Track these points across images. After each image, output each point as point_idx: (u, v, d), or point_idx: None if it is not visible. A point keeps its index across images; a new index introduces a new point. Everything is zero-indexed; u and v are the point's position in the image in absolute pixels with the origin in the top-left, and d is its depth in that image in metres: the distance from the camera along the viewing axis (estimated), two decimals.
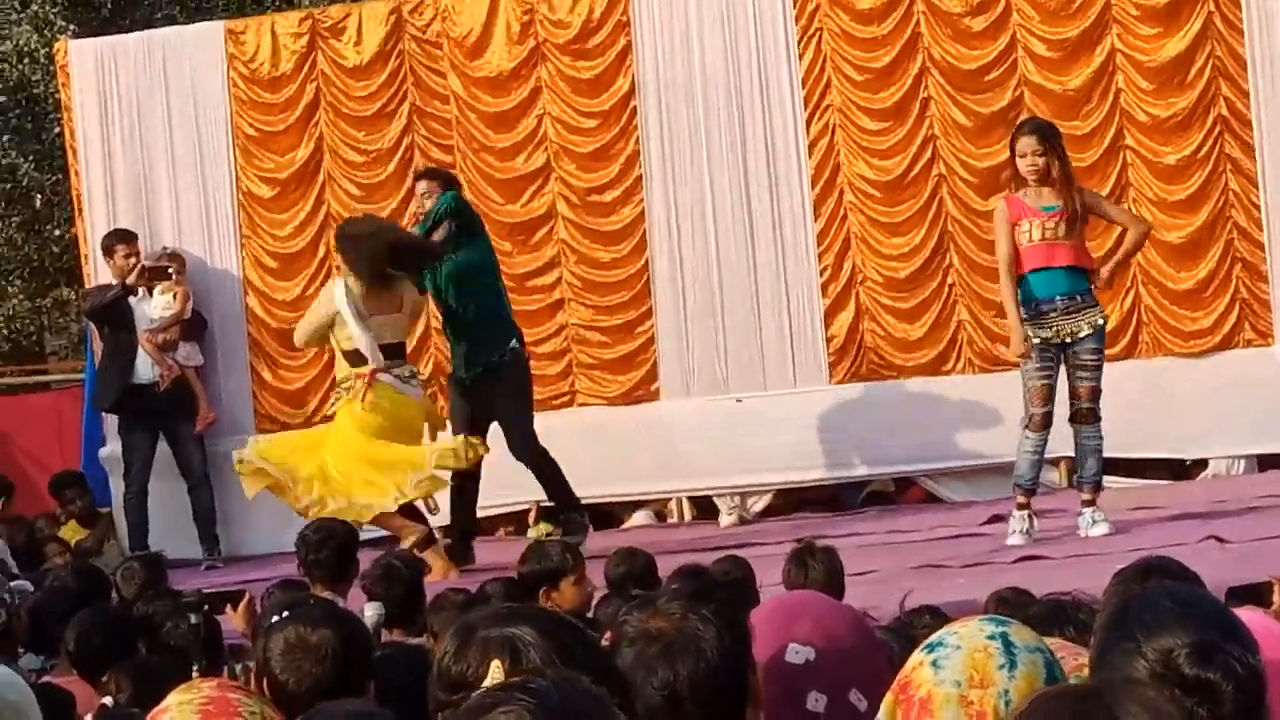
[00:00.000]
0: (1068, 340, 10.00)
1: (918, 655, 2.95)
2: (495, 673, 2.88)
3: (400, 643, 6.24)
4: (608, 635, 3.35)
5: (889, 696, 2.95)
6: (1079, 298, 10.05)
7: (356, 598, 7.48)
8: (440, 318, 12.13)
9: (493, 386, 11.33)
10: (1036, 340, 9.99)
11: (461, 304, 11.52)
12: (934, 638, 2.96)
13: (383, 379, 11.17)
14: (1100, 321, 10.12)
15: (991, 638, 2.91)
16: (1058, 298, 10.01)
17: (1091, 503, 10.18)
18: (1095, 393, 10.04)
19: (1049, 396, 9.99)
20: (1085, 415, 10.06)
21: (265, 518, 12.84)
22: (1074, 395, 10.06)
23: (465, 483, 11.41)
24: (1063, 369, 10.07)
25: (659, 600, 3.30)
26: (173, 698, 3.20)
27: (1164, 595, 3.05)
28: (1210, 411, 12.19)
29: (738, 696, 3.15)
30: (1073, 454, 10.62)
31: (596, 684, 2.46)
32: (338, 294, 11.30)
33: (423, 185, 11.87)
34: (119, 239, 13.39)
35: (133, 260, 13.21)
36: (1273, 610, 5.57)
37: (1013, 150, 10.22)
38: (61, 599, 7.50)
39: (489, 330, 11.48)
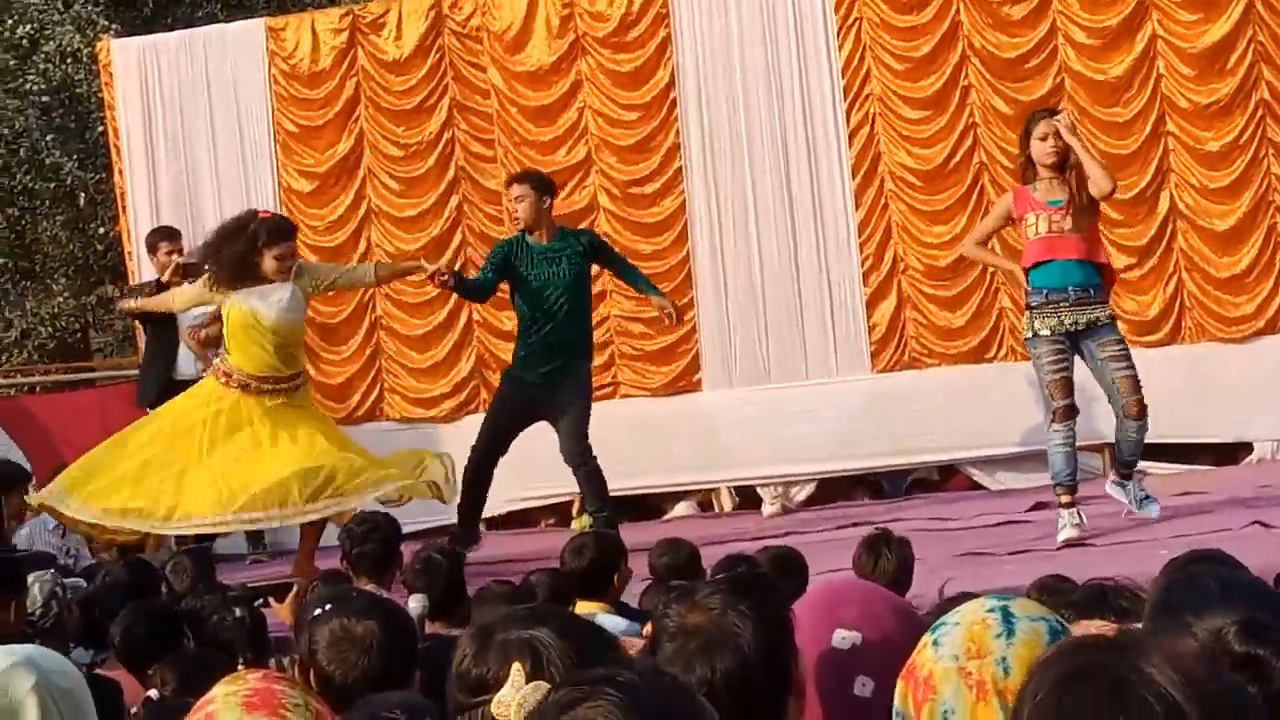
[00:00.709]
0: (1080, 329, 9.72)
1: (924, 638, 2.96)
2: (516, 675, 2.87)
3: (443, 635, 6.25)
4: (648, 628, 3.35)
5: (900, 683, 2.96)
6: (1091, 291, 9.75)
7: (400, 592, 7.50)
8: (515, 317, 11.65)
9: (566, 385, 11.11)
10: (1045, 331, 9.72)
11: (576, 308, 11.30)
12: (940, 619, 2.97)
13: None
14: (1113, 314, 9.88)
15: (991, 610, 2.91)
16: (1070, 288, 9.72)
17: (1129, 477, 9.99)
18: (1135, 382, 9.74)
19: (1068, 388, 9.73)
20: (1136, 409, 9.74)
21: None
22: (1115, 389, 9.78)
23: (485, 472, 11.24)
24: (1080, 365, 9.84)
25: (698, 593, 3.29)
26: (218, 689, 3.22)
27: (1210, 577, 3.07)
28: (1254, 396, 12.15)
29: (777, 690, 3.15)
30: (1112, 441, 10.58)
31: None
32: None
33: (516, 189, 11.23)
34: (162, 236, 13.42)
35: (175, 257, 13.26)
36: None
37: (1026, 137, 9.94)
38: (113, 594, 7.55)
39: (588, 336, 11.43)
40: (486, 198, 13.50)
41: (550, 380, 10.81)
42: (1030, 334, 9.83)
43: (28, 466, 12.52)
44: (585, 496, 11.28)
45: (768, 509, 12.83)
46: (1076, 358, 9.82)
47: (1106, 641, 2.17)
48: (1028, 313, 9.86)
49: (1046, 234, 9.77)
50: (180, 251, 13.27)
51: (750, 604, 3.19)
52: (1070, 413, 9.78)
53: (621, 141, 13.30)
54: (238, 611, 6.64)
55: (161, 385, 13.20)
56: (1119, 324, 9.97)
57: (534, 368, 10.96)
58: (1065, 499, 9.87)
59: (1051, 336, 9.74)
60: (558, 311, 10.97)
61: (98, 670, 6.54)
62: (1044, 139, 9.84)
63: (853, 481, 13.17)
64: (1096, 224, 10.00)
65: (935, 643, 2.91)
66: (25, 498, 11.12)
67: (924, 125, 12.79)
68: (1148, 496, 10.01)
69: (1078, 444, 9.96)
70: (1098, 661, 2.11)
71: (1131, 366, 9.81)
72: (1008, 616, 2.89)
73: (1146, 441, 10.03)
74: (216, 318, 13.17)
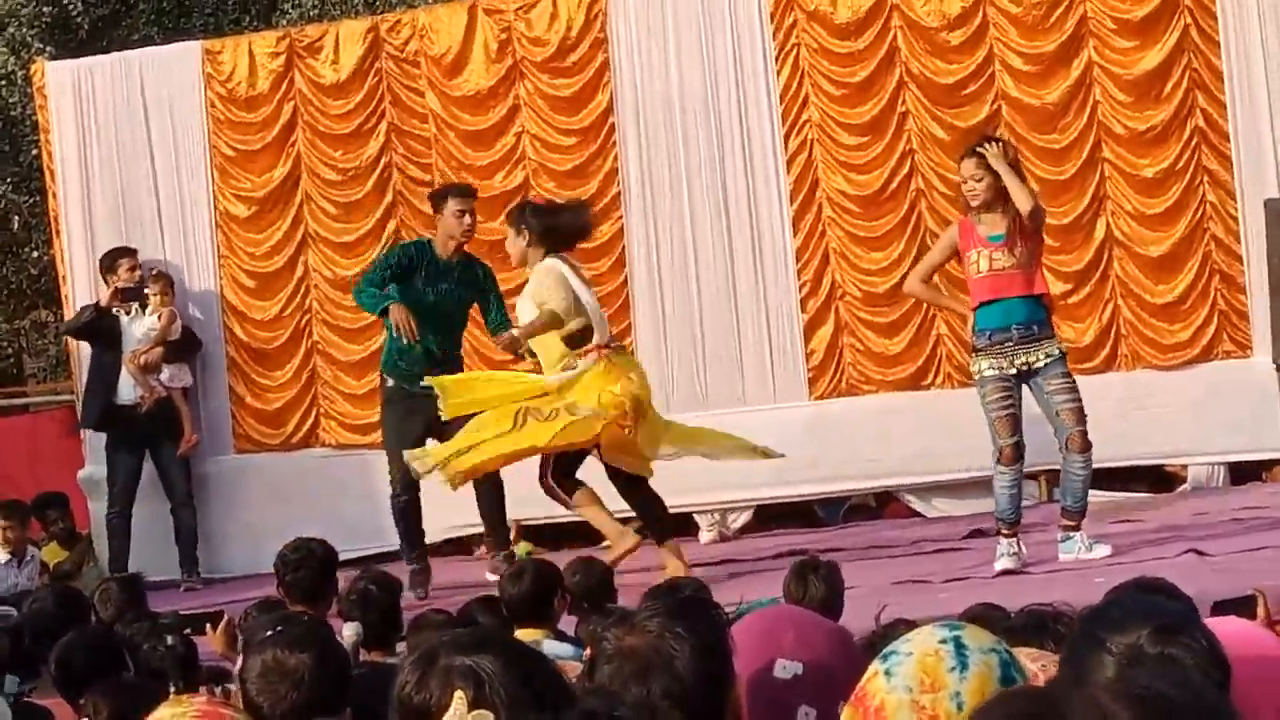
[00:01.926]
0: (1025, 370, 9.71)
1: (873, 665, 2.95)
2: (458, 704, 2.84)
3: (379, 663, 6.21)
4: (587, 651, 3.33)
5: (847, 709, 2.94)
6: (1035, 328, 9.74)
7: (337, 620, 7.45)
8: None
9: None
10: (992, 371, 9.71)
11: (458, 328, 11.40)
12: (889, 647, 2.96)
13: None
14: (1056, 349, 9.81)
15: (943, 641, 2.90)
16: (1013, 327, 9.70)
17: (1076, 527, 9.91)
18: (1079, 414, 9.72)
19: (1014, 427, 9.72)
20: (1077, 441, 9.73)
21: (242, 538, 12.85)
22: (1060, 422, 9.76)
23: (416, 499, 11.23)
24: (1028, 399, 9.82)
25: (637, 616, 3.28)
26: (164, 711, 3.17)
27: (1130, 599, 3.11)
28: (1189, 423, 12.20)
29: (713, 713, 3.13)
30: (1051, 467, 10.59)
31: (557, 717, 2.37)
32: (565, 271, 10.57)
33: (469, 203, 11.41)
34: (121, 255, 13.34)
35: (138, 274, 13.19)
36: (1259, 622, 5.58)
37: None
38: (41, 621, 7.46)
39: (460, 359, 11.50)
40: (425, 223, 13.43)
41: (432, 396, 10.68)
42: (977, 374, 9.82)
43: None
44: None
45: (705, 536, 12.81)
46: (1026, 389, 9.81)
47: (1041, 693, 2.18)
48: (974, 354, 9.86)
49: (989, 272, 9.76)
50: (135, 270, 13.20)
51: (687, 626, 3.18)
52: (1017, 452, 9.76)
53: (559, 166, 13.28)
54: (169, 640, 6.57)
55: (103, 409, 13.14)
56: (1062, 356, 9.90)
57: (417, 380, 10.89)
58: (1006, 531, 9.87)
59: (999, 376, 9.73)
60: (444, 327, 11.13)
61: (27, 699, 6.47)
62: (965, 182, 9.86)
63: (790, 509, 13.14)
64: (1039, 252, 9.99)
65: (887, 672, 2.89)
66: None
67: (861, 151, 12.81)
68: (1095, 541, 9.97)
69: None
70: (1029, 713, 2.11)
71: (1076, 399, 9.77)
72: (960, 648, 2.88)
73: None
74: (158, 342, 13.13)
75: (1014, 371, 9.73)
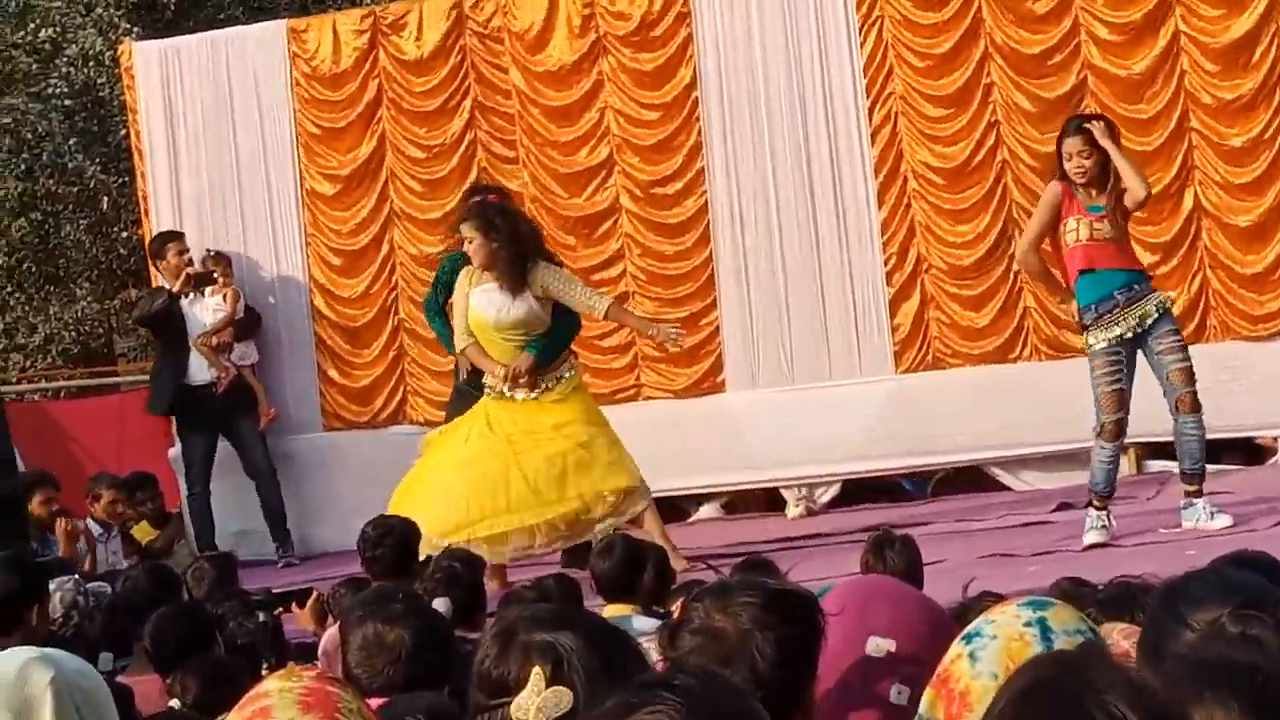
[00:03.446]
0: (1139, 331, 9.65)
1: (956, 646, 2.92)
2: (536, 679, 2.84)
3: (463, 638, 6.23)
4: (678, 607, 3.31)
5: (929, 690, 2.92)
6: (1136, 287, 9.70)
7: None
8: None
9: None
10: (1102, 344, 9.63)
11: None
12: (971, 627, 2.93)
13: None
14: (1166, 301, 9.79)
15: (1028, 624, 2.87)
16: (1116, 292, 9.65)
17: (1198, 492, 9.84)
18: (1189, 375, 9.63)
19: (1120, 403, 9.64)
20: (1186, 403, 9.66)
21: (331, 516, 12.90)
22: (1168, 383, 9.67)
23: None
24: (1145, 364, 9.75)
25: (733, 596, 3.24)
26: (272, 683, 3.17)
27: (1211, 574, 3.08)
28: None
29: (784, 711, 3.11)
30: (1141, 439, 10.53)
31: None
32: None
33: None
34: (169, 239, 13.44)
35: (187, 257, 13.27)
36: None
37: (1059, 147, 9.96)
38: (135, 599, 7.53)
39: None
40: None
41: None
42: (1089, 349, 9.76)
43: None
44: None
45: (792, 511, 12.80)
46: (1141, 359, 9.72)
47: (1069, 658, 2.18)
48: (1084, 331, 9.80)
49: (1088, 241, 9.70)
50: (187, 252, 13.28)
51: (780, 623, 3.14)
52: (1119, 430, 9.69)
53: (643, 141, 13.27)
54: (260, 616, 6.61)
55: (173, 392, 13.21)
56: (1170, 308, 9.84)
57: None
58: (1098, 503, 9.82)
59: (1109, 348, 9.64)
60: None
61: (121, 677, 6.53)
62: (1070, 159, 9.78)
63: (877, 483, 13.12)
64: (1128, 229, 9.97)
65: (972, 655, 2.87)
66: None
67: (946, 123, 12.74)
68: (1217, 510, 9.88)
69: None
70: (1055, 678, 2.15)
71: (1186, 359, 9.72)
72: (1046, 631, 2.86)
73: (1170, 439, 9.95)
74: (228, 323, 13.21)
75: (1129, 335, 9.63)
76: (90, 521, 12.41)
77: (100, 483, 12.79)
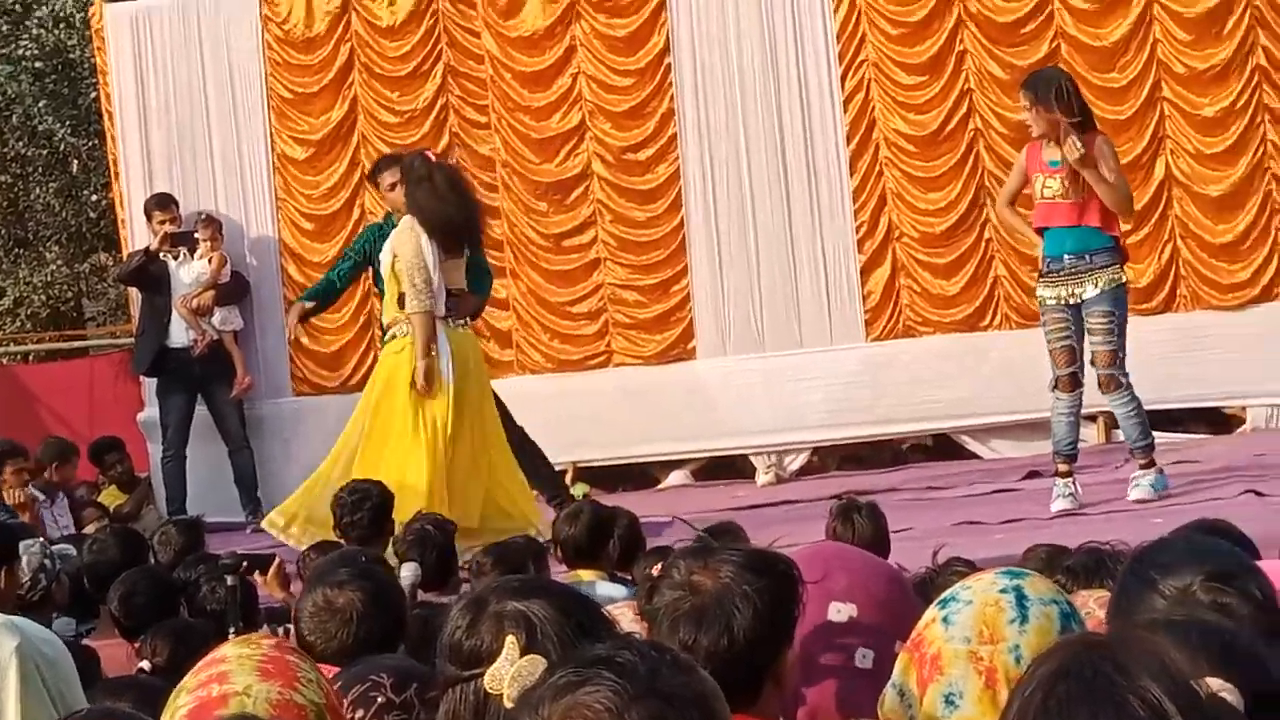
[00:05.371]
0: (1074, 301, 9.67)
1: (931, 611, 2.92)
2: (510, 649, 2.84)
3: (433, 602, 6.23)
4: (657, 568, 3.31)
5: (903, 654, 2.93)
6: (1089, 257, 9.67)
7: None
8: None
9: None
10: (1050, 299, 9.71)
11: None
12: (948, 592, 2.94)
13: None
14: (1112, 282, 9.70)
15: (1004, 591, 2.88)
16: (1065, 255, 9.67)
17: (1148, 465, 9.89)
18: (1111, 357, 9.66)
19: (1070, 358, 9.70)
20: (1103, 383, 9.75)
21: (301, 481, 12.84)
22: (1091, 361, 9.75)
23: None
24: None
25: (716, 554, 3.23)
26: (230, 649, 3.17)
27: (1180, 540, 3.09)
28: (1249, 363, 12.11)
29: (755, 675, 3.11)
30: (1108, 409, 10.56)
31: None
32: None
33: (387, 177, 10.93)
34: (156, 204, 13.44)
35: (167, 225, 13.26)
36: None
37: None
38: (102, 563, 7.51)
39: None
40: (481, 164, 13.44)
41: None
42: (1040, 301, 9.82)
43: None
44: None
45: (761, 478, 12.81)
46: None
47: (1101, 640, 2.16)
48: (1039, 278, 9.86)
49: (1042, 199, 9.79)
50: (173, 220, 13.27)
51: (759, 585, 3.14)
52: (1072, 383, 9.77)
53: (615, 108, 13.25)
54: (229, 581, 6.60)
55: (156, 353, 13.22)
56: (1116, 290, 9.81)
57: None
58: (1063, 468, 9.88)
59: (1056, 305, 9.74)
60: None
61: (87, 640, 6.52)
62: (1024, 112, 9.85)
63: (847, 450, 13.13)
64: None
65: (945, 620, 2.87)
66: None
67: (919, 91, 12.73)
68: (1160, 472, 9.93)
69: None
70: (1087, 660, 2.12)
71: (1108, 342, 9.69)
72: (1021, 599, 2.86)
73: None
74: (210, 287, 13.19)
75: (1070, 302, 9.69)
76: (32, 489, 12.31)
77: (43, 451, 12.74)
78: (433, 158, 10.64)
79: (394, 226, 10.44)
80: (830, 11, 12.82)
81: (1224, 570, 2.95)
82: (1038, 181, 9.81)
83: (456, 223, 10.22)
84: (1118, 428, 12.17)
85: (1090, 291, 9.68)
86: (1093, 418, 11.76)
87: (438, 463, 9.83)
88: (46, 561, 6.90)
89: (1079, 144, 9.54)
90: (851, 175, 12.82)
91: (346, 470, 9.81)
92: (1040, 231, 9.85)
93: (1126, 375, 9.76)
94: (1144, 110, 12.36)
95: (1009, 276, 12.51)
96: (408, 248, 10.06)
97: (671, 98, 13.11)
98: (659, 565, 3.30)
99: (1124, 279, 9.89)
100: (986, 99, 12.60)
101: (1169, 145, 12.36)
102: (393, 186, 10.71)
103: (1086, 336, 9.76)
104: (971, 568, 5.14)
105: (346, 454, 10.21)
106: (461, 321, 10.38)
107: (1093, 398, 10.19)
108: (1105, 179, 9.66)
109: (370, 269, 11.30)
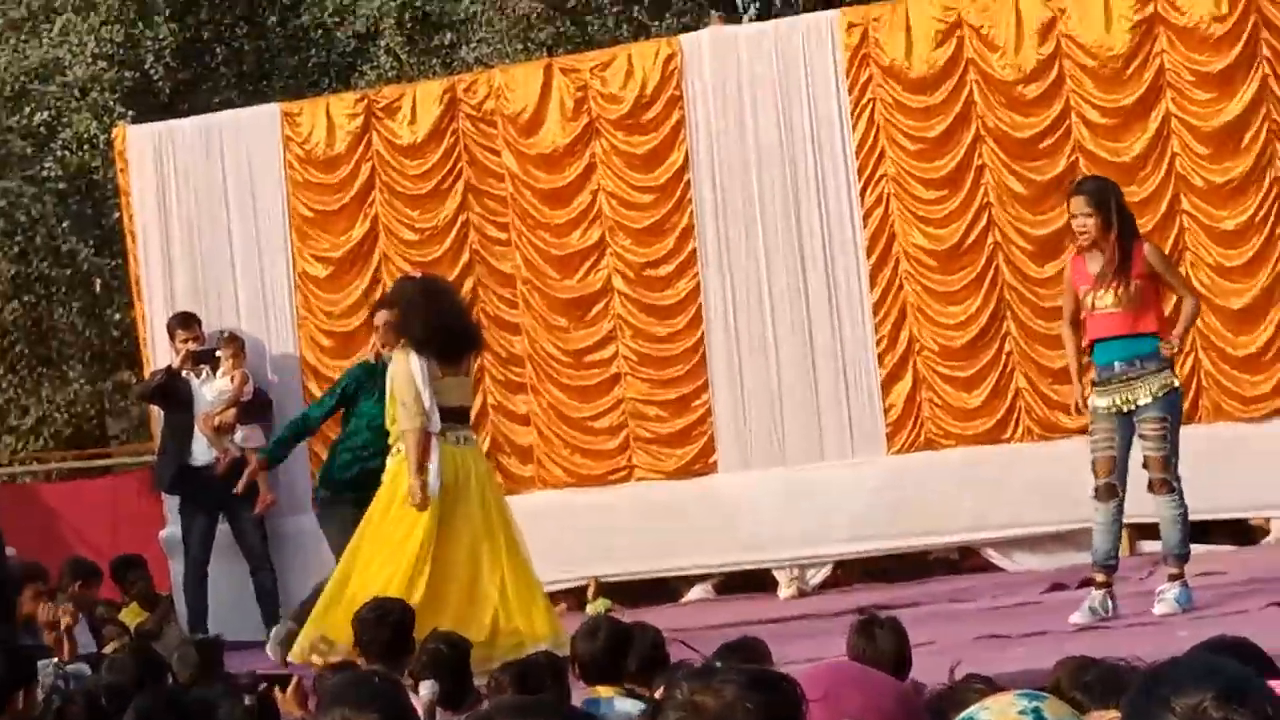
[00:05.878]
0: (1126, 409, 9.77)
1: None
2: None
3: None
4: (659, 692, 3.29)
5: None
6: (1138, 363, 9.78)
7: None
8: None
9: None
10: (1100, 407, 9.79)
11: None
12: (967, 712, 2.92)
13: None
14: (1165, 388, 9.79)
15: (1023, 713, 2.87)
16: (1116, 363, 9.79)
17: (1177, 576, 9.88)
18: (1164, 463, 9.73)
19: (1109, 468, 9.77)
20: (1156, 486, 9.80)
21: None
22: (1145, 465, 9.82)
23: None
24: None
25: (716, 675, 3.22)
26: None
27: (1193, 659, 3.07)
28: (1273, 474, 12.06)
29: None
30: (1135, 521, 10.55)
31: None
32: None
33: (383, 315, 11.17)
34: (179, 323, 13.48)
35: (190, 344, 13.29)
36: None
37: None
38: (119, 683, 7.47)
39: None
40: (501, 281, 13.50)
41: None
42: (1091, 409, 9.90)
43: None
44: None
45: (784, 592, 12.77)
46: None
47: None
48: (1093, 386, 9.96)
49: (1094, 310, 9.92)
50: (197, 338, 13.31)
51: (761, 702, 3.12)
52: (1110, 493, 9.82)
53: (636, 224, 13.30)
54: (247, 700, 6.56)
55: (177, 471, 13.23)
56: (1170, 395, 9.85)
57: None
58: (1099, 578, 9.88)
59: (1107, 413, 9.81)
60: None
61: None
62: (1074, 217, 10.04)
63: (870, 564, 13.09)
64: (1151, 290, 9.97)
65: None
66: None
67: (938, 205, 12.77)
68: (1184, 599, 9.88)
69: None
70: None
71: (1161, 449, 9.79)
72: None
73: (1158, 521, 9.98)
74: (231, 404, 13.21)
75: (1118, 411, 9.78)
76: (58, 609, 12.26)
77: (65, 571, 12.72)
78: (416, 275, 10.94)
79: (385, 365, 10.70)
80: (849, 127, 12.88)
81: (1235, 689, 2.93)
82: (1089, 297, 9.87)
83: (438, 330, 10.30)
84: (1143, 539, 12.17)
85: (1144, 399, 9.78)
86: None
87: (417, 576, 9.94)
88: (59, 681, 6.87)
89: (1175, 344, 9.93)
90: (871, 289, 12.85)
91: (344, 579, 10.07)
92: (1094, 344, 9.92)
93: (1179, 480, 9.85)
94: (1163, 224, 12.37)
95: (1030, 389, 12.50)
96: (397, 367, 10.29)
97: (691, 214, 13.16)
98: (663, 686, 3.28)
99: (1177, 384, 9.98)
100: (1005, 213, 12.63)
101: (1189, 258, 12.36)
102: (385, 322, 10.99)
103: (1139, 442, 9.80)
104: (989, 683, 5.09)
105: (344, 566, 10.35)
106: (464, 437, 10.43)
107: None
108: (1185, 292, 10.20)
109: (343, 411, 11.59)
